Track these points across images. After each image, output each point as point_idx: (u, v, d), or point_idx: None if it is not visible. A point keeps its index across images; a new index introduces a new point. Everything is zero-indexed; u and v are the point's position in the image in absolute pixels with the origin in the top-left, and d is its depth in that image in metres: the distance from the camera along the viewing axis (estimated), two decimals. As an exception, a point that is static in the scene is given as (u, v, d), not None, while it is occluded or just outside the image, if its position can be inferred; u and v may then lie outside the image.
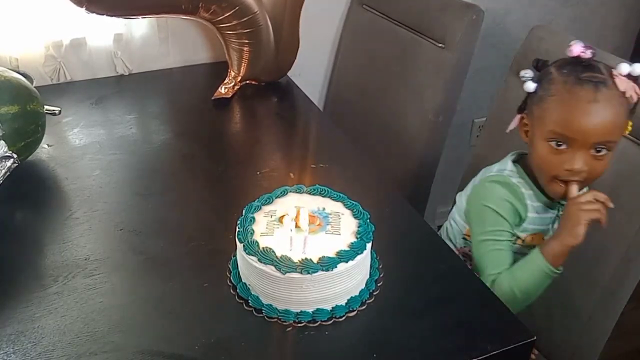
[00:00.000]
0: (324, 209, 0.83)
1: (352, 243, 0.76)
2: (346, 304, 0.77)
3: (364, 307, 0.78)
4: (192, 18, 1.29)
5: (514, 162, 0.99)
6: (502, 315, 0.78)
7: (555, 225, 0.97)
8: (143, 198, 1.03)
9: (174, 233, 0.94)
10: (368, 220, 0.81)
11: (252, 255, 0.75)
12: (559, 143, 0.86)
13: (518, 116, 0.96)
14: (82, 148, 1.16)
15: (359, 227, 0.80)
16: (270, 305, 0.76)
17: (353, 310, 0.77)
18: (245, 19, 1.27)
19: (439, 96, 1.34)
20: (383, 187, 1.07)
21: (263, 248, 0.75)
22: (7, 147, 0.96)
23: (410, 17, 1.39)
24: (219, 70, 1.38)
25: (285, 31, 1.33)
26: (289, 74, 1.42)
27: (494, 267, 0.92)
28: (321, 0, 1.44)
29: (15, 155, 0.98)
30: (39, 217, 0.98)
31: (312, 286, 0.74)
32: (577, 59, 0.88)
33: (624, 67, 0.85)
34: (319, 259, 0.74)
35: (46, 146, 1.13)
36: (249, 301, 0.78)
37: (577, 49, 0.88)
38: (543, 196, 0.95)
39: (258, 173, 1.09)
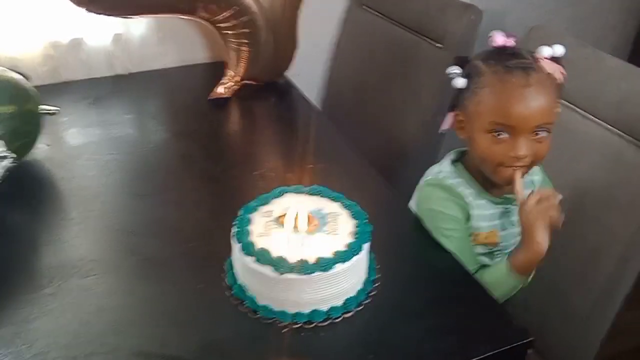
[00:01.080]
0: (321, 209, 0.83)
1: (349, 243, 0.76)
2: (343, 304, 0.76)
3: (360, 308, 0.77)
4: (190, 18, 1.29)
5: (454, 161, 0.98)
6: (499, 316, 0.78)
7: (514, 219, 0.95)
8: (140, 198, 1.02)
9: (170, 234, 0.94)
10: (366, 221, 0.81)
11: (249, 255, 0.74)
12: (499, 133, 0.86)
13: (451, 114, 0.95)
14: (79, 148, 1.16)
15: (356, 227, 0.79)
16: (266, 306, 0.76)
17: (350, 311, 0.77)
18: (243, 18, 1.27)
19: (437, 96, 1.33)
20: (381, 187, 1.06)
21: (260, 249, 0.75)
22: (4, 147, 0.95)
23: (409, 18, 1.39)
24: (217, 70, 1.38)
25: (283, 31, 1.33)
26: (287, 73, 1.42)
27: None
28: (320, 0, 1.44)
29: (12, 155, 0.97)
30: (35, 217, 0.97)
31: (309, 287, 0.73)
32: (501, 49, 0.88)
33: (546, 50, 0.87)
34: (316, 259, 0.73)
35: (44, 146, 1.13)
36: (245, 302, 0.77)
37: (499, 38, 0.88)
38: (486, 193, 0.93)
39: (255, 173, 1.09)
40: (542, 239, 0.84)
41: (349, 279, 0.76)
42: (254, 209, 0.83)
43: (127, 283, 0.85)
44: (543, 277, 1.04)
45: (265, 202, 0.84)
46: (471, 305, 0.80)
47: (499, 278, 0.88)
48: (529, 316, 0.96)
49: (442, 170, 0.97)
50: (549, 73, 0.86)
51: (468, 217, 0.94)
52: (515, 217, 0.94)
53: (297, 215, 0.78)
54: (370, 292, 0.80)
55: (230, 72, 1.33)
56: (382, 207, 0.98)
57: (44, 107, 1.08)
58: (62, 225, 0.95)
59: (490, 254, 0.97)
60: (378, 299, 0.79)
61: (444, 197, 0.94)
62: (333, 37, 1.60)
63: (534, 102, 0.84)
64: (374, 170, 1.10)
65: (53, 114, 1.10)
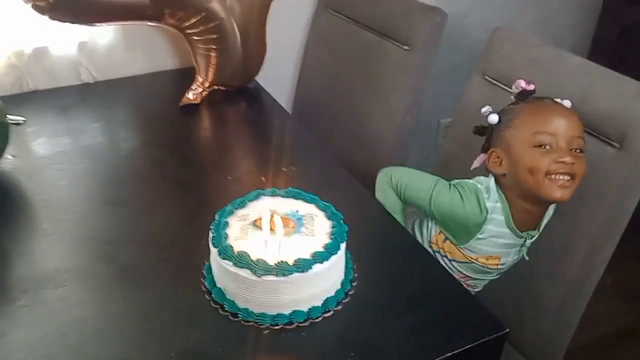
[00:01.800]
0: (297, 211, 0.83)
1: (326, 244, 0.77)
2: (322, 304, 0.77)
3: (340, 307, 0.78)
4: (158, 25, 1.29)
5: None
6: (476, 311, 0.80)
7: (518, 256, 1.02)
8: (112, 207, 1.01)
9: (145, 241, 0.93)
10: (341, 221, 0.82)
11: (227, 259, 0.75)
12: (543, 145, 0.91)
13: (483, 155, 1.01)
14: (47, 158, 1.14)
15: (332, 228, 0.80)
16: (246, 309, 0.76)
17: (329, 311, 0.77)
18: (211, 24, 1.26)
19: (405, 97, 1.36)
20: (354, 188, 1.07)
21: (238, 252, 0.75)
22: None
23: (375, 21, 1.41)
24: (186, 77, 1.37)
25: (252, 36, 1.33)
26: (256, 78, 1.42)
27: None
28: (287, 4, 1.44)
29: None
30: (4, 230, 0.95)
31: (288, 288, 0.74)
32: (523, 92, 0.97)
33: (566, 102, 0.96)
34: (294, 261, 0.74)
35: (10, 157, 1.11)
36: (225, 306, 0.77)
37: (523, 83, 0.97)
38: (512, 224, 0.97)
39: (229, 178, 1.09)
40: None
41: (328, 279, 0.77)
42: (230, 213, 0.83)
43: (103, 292, 0.83)
44: (516, 273, 1.08)
45: (241, 206, 0.85)
46: (448, 301, 0.82)
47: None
48: (505, 312, 0.98)
49: (485, 184, 1.00)
50: None
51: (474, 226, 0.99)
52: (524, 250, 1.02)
53: (273, 217, 0.78)
54: (349, 292, 0.81)
55: (199, 78, 1.33)
56: (356, 207, 0.99)
57: (10, 118, 1.06)
58: (33, 236, 0.93)
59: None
60: (357, 298, 0.80)
61: (471, 194, 0.98)
62: (301, 41, 1.61)
63: (568, 114, 0.93)
64: (346, 171, 1.11)
65: (19, 124, 1.09)
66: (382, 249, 0.91)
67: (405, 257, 0.90)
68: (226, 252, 0.75)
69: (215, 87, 1.36)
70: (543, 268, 1.07)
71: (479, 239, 0.99)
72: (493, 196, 0.97)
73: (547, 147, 0.91)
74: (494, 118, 0.97)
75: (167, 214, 1.00)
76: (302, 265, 0.73)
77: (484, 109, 0.99)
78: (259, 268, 0.73)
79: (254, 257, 0.74)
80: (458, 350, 0.73)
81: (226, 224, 0.80)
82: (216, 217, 0.82)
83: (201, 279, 0.82)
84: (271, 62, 1.41)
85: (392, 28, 1.37)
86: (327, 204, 0.85)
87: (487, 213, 0.96)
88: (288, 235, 0.78)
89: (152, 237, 0.94)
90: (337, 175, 1.11)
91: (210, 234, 0.79)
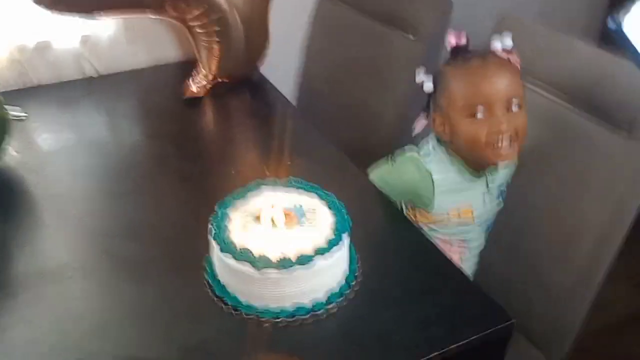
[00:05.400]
0: (299, 203, 0.82)
1: (329, 238, 0.76)
2: (326, 299, 0.76)
3: (343, 301, 0.77)
4: (160, 17, 1.27)
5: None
6: (482, 302, 0.78)
7: (489, 195, 1.01)
8: (115, 201, 1.00)
9: (147, 235, 0.92)
10: (344, 214, 0.80)
11: (228, 253, 0.74)
12: (476, 113, 0.89)
13: (422, 118, 1.01)
14: (51, 153, 1.14)
15: (335, 220, 0.79)
16: (248, 303, 0.75)
17: (333, 305, 0.76)
18: (213, 16, 1.25)
19: (412, 88, 1.33)
20: (358, 180, 1.06)
21: (238, 246, 0.74)
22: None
23: (380, 9, 1.39)
24: (189, 69, 1.36)
25: (255, 27, 1.32)
26: (260, 69, 1.41)
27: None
28: (290, -6, 1.43)
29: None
30: (7, 225, 0.94)
31: (291, 283, 0.73)
32: (455, 49, 0.94)
33: (496, 44, 0.91)
34: (296, 255, 0.72)
35: (14, 153, 1.10)
36: (226, 300, 0.76)
37: (452, 39, 0.93)
38: (470, 169, 0.97)
39: (232, 171, 1.08)
40: None
41: (331, 273, 0.76)
42: (231, 205, 0.82)
43: (105, 286, 0.83)
44: (524, 260, 1.06)
45: (242, 197, 0.83)
46: (454, 292, 0.80)
47: None
48: (512, 299, 0.97)
49: (423, 148, 1.00)
50: (506, 58, 0.91)
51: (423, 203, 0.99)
52: (501, 187, 1.01)
53: (274, 210, 0.77)
54: (352, 285, 0.79)
55: (202, 71, 1.32)
56: (360, 199, 0.98)
57: (12, 113, 1.05)
58: (36, 230, 0.93)
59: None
60: (361, 291, 0.79)
61: (410, 175, 0.98)
62: (305, 30, 1.59)
63: (496, 77, 0.89)
64: (351, 163, 1.10)
65: (22, 119, 1.08)
66: (387, 241, 0.90)
67: (410, 248, 0.88)
68: (227, 246, 0.74)
69: (219, 79, 1.34)
70: (551, 255, 1.05)
71: (440, 196, 0.97)
72: (436, 155, 0.97)
73: (481, 116, 0.88)
74: (428, 87, 0.95)
75: (169, 207, 0.99)
76: (304, 260, 0.72)
77: (418, 76, 0.96)
78: (260, 263, 0.72)
79: (255, 251, 0.73)
80: (464, 342, 0.71)
81: (227, 217, 0.79)
82: (216, 209, 0.81)
83: (203, 273, 0.81)
84: (274, 53, 1.40)
85: (397, 17, 1.35)
86: (328, 194, 0.84)
87: (431, 175, 0.96)
88: (289, 228, 0.77)
89: (153, 231, 0.93)
90: (342, 167, 1.09)
91: (211, 227, 0.78)
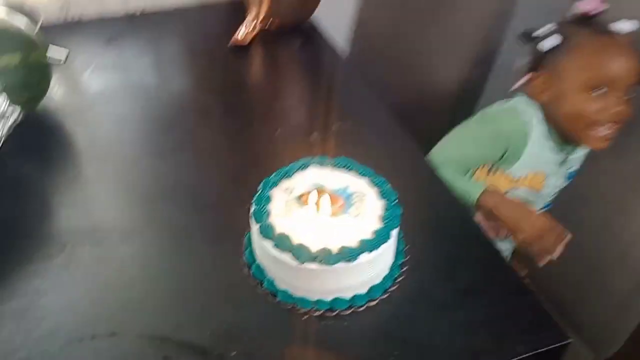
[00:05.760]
0: (347, 187, 0.76)
1: (376, 230, 0.70)
2: (367, 292, 0.72)
3: (386, 296, 0.73)
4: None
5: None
6: (536, 312, 0.72)
7: (562, 169, 0.94)
8: (155, 158, 0.96)
9: (186, 199, 0.88)
10: (395, 202, 0.74)
11: (268, 239, 0.69)
12: (597, 90, 0.84)
13: (528, 75, 0.94)
14: (91, 97, 1.10)
15: (385, 209, 0.73)
16: (286, 290, 0.71)
17: (374, 299, 0.72)
18: (267, -45, 1.15)
19: (477, 43, 1.23)
20: (410, 152, 0.98)
21: (279, 233, 0.69)
22: (8, 101, 0.89)
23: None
24: (238, 12, 1.27)
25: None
26: (312, 17, 1.31)
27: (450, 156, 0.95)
28: None
29: (19, 109, 0.92)
30: (45, 177, 0.92)
31: (331, 277, 0.68)
32: (585, 15, 0.88)
33: (624, 25, 0.86)
34: (340, 248, 0.68)
35: (55, 94, 1.06)
36: (264, 284, 0.73)
37: (588, 5, 0.87)
38: (557, 137, 0.93)
39: (277, 131, 1.02)
40: (519, 239, 0.88)
41: (375, 268, 0.71)
42: (274, 184, 0.77)
43: (141, 255, 0.80)
44: (583, 255, 0.99)
45: (287, 176, 0.78)
46: (506, 297, 0.74)
47: (462, 191, 0.91)
48: (565, 290, 0.92)
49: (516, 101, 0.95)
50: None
51: (506, 159, 0.94)
52: (572, 168, 0.98)
53: (320, 195, 0.72)
54: (397, 278, 0.75)
55: (251, 16, 1.23)
56: (414, 178, 0.91)
57: (51, 54, 1.00)
58: (73, 185, 0.90)
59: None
60: (405, 286, 0.74)
61: (505, 121, 0.93)
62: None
63: (629, 58, 0.84)
64: (405, 131, 1.02)
65: (61, 62, 1.03)
66: (439, 231, 0.83)
67: (463, 242, 0.81)
68: (267, 232, 0.70)
69: (267, 26, 1.26)
70: (612, 255, 0.98)
71: (530, 150, 0.93)
72: (531, 111, 0.92)
73: (600, 94, 0.83)
74: (549, 42, 0.88)
75: (211, 170, 0.94)
76: (348, 255, 0.67)
77: (541, 31, 0.90)
78: (301, 254, 0.67)
79: (296, 240, 0.68)
80: (514, 359, 0.67)
81: (269, 198, 0.74)
82: (259, 188, 0.76)
83: (241, 249, 0.77)
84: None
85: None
86: (381, 179, 0.77)
87: (529, 119, 0.91)
88: (335, 216, 0.72)
89: (193, 196, 0.89)
90: (395, 137, 1.02)
91: (252, 207, 0.73)
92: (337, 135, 1.01)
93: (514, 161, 0.94)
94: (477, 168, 1.01)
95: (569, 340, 0.68)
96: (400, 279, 0.75)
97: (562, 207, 1.01)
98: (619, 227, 0.93)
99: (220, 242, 0.80)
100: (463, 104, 1.24)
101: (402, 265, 0.76)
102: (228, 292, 0.74)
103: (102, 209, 0.87)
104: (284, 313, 0.71)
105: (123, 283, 0.75)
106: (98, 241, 0.81)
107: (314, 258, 0.67)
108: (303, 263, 0.67)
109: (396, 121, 1.04)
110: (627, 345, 1.02)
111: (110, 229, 0.83)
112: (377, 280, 0.72)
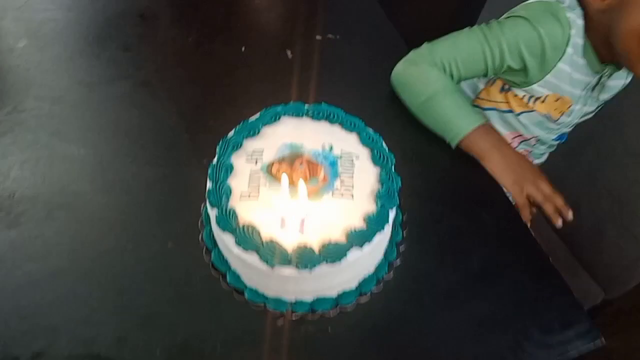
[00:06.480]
0: (331, 147, 0.58)
1: (369, 215, 0.54)
2: (357, 287, 0.57)
3: (379, 288, 0.58)
4: None
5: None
6: (564, 309, 0.59)
7: (589, 93, 0.79)
8: (89, 88, 0.76)
9: (129, 154, 0.69)
10: (392, 170, 0.57)
11: (229, 232, 0.53)
12: None
13: None
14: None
15: (380, 183, 0.56)
16: (256, 290, 0.57)
17: (365, 294, 0.58)
18: None
19: None
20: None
21: (243, 225, 0.53)
22: None
23: None
24: None
25: None
26: None
27: (444, 59, 0.73)
28: None
29: None
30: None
31: (312, 280, 0.53)
32: None
33: None
34: (322, 246, 0.52)
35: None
36: (227, 277, 0.58)
37: None
38: (594, 57, 0.74)
39: (243, 49, 0.81)
40: (511, 190, 0.69)
41: (366, 263, 0.56)
42: (237, 146, 0.58)
43: (74, 237, 0.64)
44: (601, 195, 0.85)
45: (253, 133, 0.59)
46: (526, 283, 0.60)
47: (446, 122, 0.71)
48: (580, 230, 0.79)
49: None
50: None
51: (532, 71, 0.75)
52: (606, 96, 0.81)
53: (295, 165, 0.54)
54: (393, 263, 0.60)
55: None
56: (412, 118, 0.73)
57: None
58: None
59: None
60: (403, 273, 0.59)
61: (542, 23, 0.72)
62: None
63: None
64: (405, 43, 0.82)
65: None
66: (445, 199, 0.66)
67: (474, 212, 0.65)
68: (227, 222, 0.53)
69: None
70: (631, 199, 0.83)
71: (554, 71, 0.75)
72: (572, 16, 0.72)
73: None
74: None
75: (156, 105, 0.74)
76: (333, 254, 0.51)
77: None
78: (272, 256, 0.51)
79: (265, 235, 0.52)
80: None
81: (230, 168, 0.56)
82: (217, 151, 0.58)
83: (198, 226, 0.61)
84: None
85: None
86: (374, 137, 0.59)
87: (569, 28, 0.72)
88: (316, 195, 0.55)
89: (139, 147, 0.70)
90: (393, 50, 0.81)
91: (208, 183, 0.56)
92: (320, 49, 0.80)
93: (536, 78, 0.75)
94: (483, 81, 0.82)
95: (603, 344, 0.56)
96: (398, 263, 0.60)
97: (587, 139, 0.84)
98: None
99: (173, 215, 0.64)
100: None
101: (399, 244, 0.61)
102: (181, 288, 0.59)
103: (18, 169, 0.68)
104: (252, 316, 0.56)
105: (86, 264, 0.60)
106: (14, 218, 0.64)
107: (288, 261, 0.51)
108: (274, 267, 0.51)
109: (395, 34, 0.83)
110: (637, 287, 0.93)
111: (28, 200, 0.65)
112: (370, 272, 0.58)
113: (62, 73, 0.77)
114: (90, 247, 0.61)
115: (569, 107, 0.79)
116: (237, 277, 0.57)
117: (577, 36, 0.72)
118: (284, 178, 0.52)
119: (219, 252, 0.58)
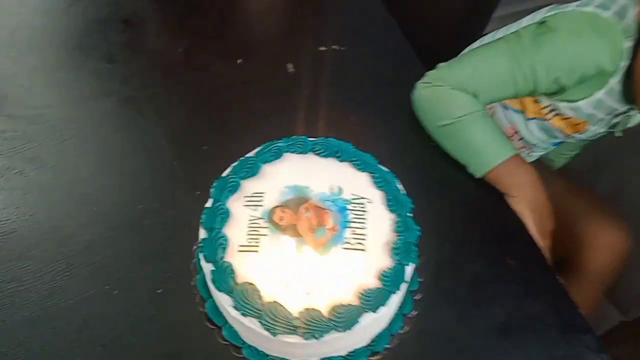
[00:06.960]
0: (341, 190, 0.52)
1: (384, 273, 0.48)
2: (367, 345, 0.52)
3: (393, 343, 0.53)
4: None
5: None
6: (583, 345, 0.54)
7: (612, 120, 0.70)
8: (69, 106, 0.69)
9: (115, 185, 0.63)
10: (409, 215, 0.51)
11: (225, 294, 0.47)
12: None
13: None
14: None
15: (397, 234, 0.50)
16: (255, 348, 0.51)
17: (377, 353, 0.52)
18: None
19: None
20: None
21: (241, 285, 0.46)
22: None
23: None
24: None
25: None
26: None
27: (473, 88, 0.64)
28: None
29: None
30: None
31: (320, 345, 0.47)
32: None
33: None
34: (331, 310, 0.46)
35: None
36: (223, 331, 0.52)
37: None
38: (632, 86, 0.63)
39: (239, 62, 0.74)
40: (518, 209, 0.62)
41: (380, 323, 0.50)
42: (234, 189, 0.52)
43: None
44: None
45: (252, 173, 0.53)
46: (555, 339, 0.55)
47: (472, 149, 0.64)
48: None
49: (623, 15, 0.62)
50: None
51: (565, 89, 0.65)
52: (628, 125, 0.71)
53: (301, 212, 0.48)
54: (408, 315, 0.54)
55: None
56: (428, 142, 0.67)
57: None
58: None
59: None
60: (418, 325, 0.54)
61: (589, 31, 0.61)
62: None
63: None
64: (412, 45, 0.75)
65: None
66: (465, 233, 0.61)
67: (497, 250, 0.60)
68: (223, 280, 0.47)
69: None
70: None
71: (591, 98, 0.66)
72: (622, 36, 0.61)
73: None
74: None
75: (149, 128, 0.67)
76: (343, 320, 0.46)
77: None
78: (275, 324, 0.45)
79: (267, 297, 0.46)
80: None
81: (227, 214, 0.50)
82: (212, 193, 0.51)
83: (190, 268, 0.55)
84: None
85: None
86: (388, 177, 0.53)
87: (620, 59, 0.61)
88: (324, 249, 0.49)
89: (133, 171, 0.64)
90: (401, 59, 0.74)
91: (201, 232, 0.49)
92: (323, 61, 0.73)
93: (568, 98, 0.67)
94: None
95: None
96: (414, 314, 0.54)
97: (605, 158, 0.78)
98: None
99: (165, 259, 0.57)
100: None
101: (414, 292, 0.55)
102: (172, 342, 0.53)
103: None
104: (252, 376, 0.51)
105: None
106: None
107: (293, 329, 0.45)
108: (276, 336, 0.45)
109: (407, 43, 0.75)
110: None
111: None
112: (383, 328, 0.52)
113: (39, 88, 0.70)
114: (70, 292, 0.55)
115: (586, 127, 0.72)
116: (234, 332, 0.51)
117: (625, 58, 0.63)
118: (287, 216, 0.46)
119: (214, 303, 0.52)
